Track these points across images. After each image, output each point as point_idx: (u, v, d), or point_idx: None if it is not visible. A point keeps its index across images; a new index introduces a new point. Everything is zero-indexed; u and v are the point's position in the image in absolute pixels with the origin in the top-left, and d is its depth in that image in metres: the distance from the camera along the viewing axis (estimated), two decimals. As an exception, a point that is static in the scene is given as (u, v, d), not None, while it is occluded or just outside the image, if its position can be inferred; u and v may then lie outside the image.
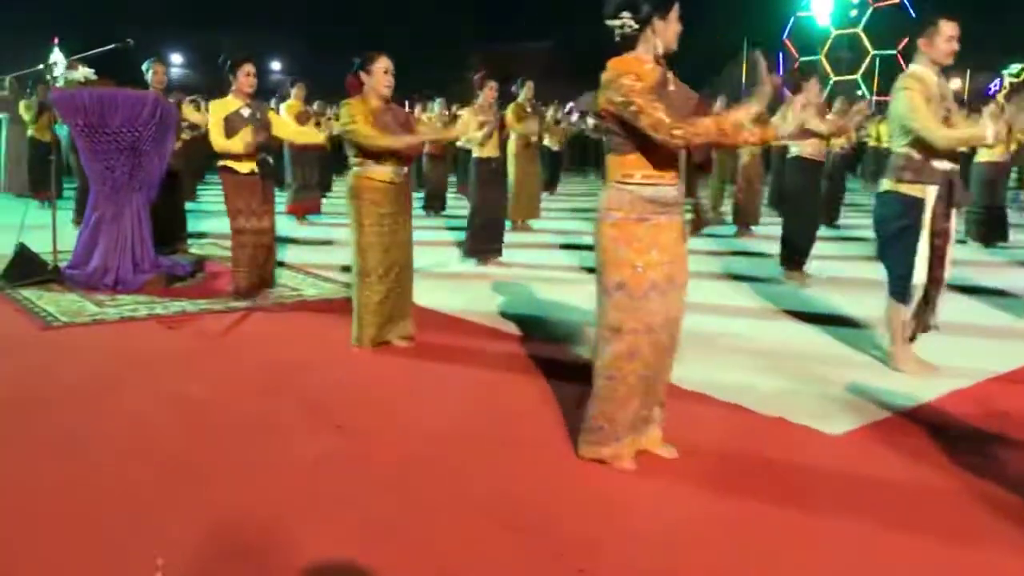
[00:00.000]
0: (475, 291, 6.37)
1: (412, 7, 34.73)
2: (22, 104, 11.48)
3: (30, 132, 11.47)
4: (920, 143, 4.14)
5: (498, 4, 36.96)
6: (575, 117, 17.31)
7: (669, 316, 3.09)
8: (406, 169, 4.72)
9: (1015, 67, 30.30)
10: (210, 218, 9.94)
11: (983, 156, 9.20)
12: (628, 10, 2.98)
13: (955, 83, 37.50)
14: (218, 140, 5.48)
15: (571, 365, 4.43)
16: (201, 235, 8.72)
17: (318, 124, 9.39)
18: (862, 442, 3.48)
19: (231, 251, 5.78)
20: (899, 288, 4.29)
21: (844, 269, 7.41)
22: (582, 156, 19.58)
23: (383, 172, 4.54)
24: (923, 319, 4.33)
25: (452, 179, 13.50)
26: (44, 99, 11.15)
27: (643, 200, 3.01)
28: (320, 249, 8.22)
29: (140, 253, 6.28)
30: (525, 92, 9.20)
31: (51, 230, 6.28)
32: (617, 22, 3.00)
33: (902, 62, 35.09)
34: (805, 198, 6.71)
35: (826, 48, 37.70)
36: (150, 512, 2.73)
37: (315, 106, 12.72)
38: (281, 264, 6.86)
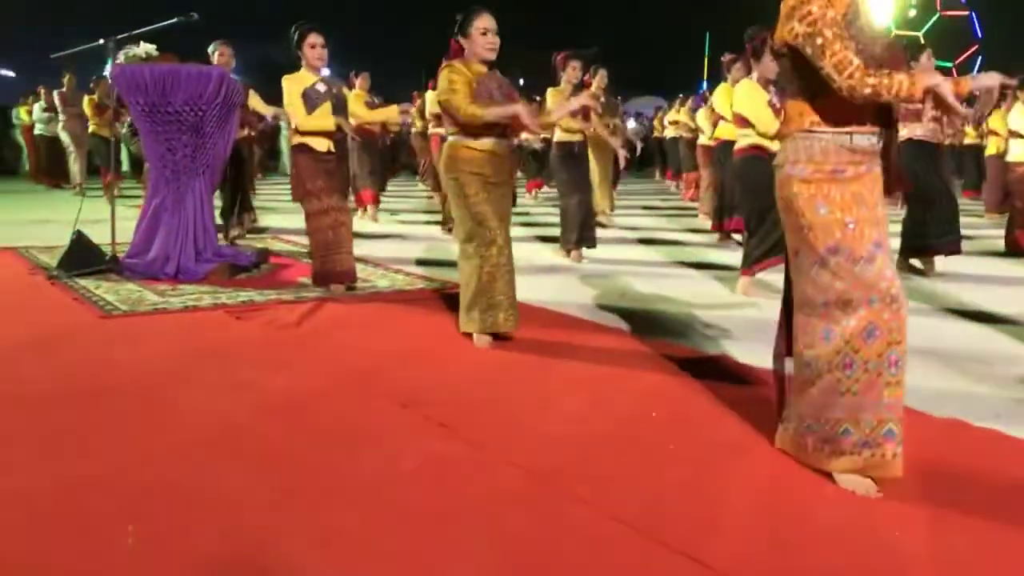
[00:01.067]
0: (563, 283, 5.87)
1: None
2: (85, 99, 11.52)
3: (91, 128, 11.54)
4: None
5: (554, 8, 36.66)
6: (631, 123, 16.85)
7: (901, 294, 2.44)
8: (512, 140, 4.21)
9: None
10: (268, 214, 9.62)
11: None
12: None
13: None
14: (300, 116, 5.08)
15: (689, 360, 3.92)
16: (261, 231, 8.34)
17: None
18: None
19: (309, 237, 5.33)
20: None
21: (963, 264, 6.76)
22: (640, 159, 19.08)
23: (484, 142, 4.04)
24: None
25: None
26: (103, 98, 11.07)
27: (839, 148, 2.48)
28: (385, 242, 7.79)
29: (203, 241, 5.90)
30: (598, 81, 8.74)
31: (110, 223, 5.95)
32: None
33: (955, 74, 34.00)
34: (924, 182, 6.02)
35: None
36: (221, 517, 2.25)
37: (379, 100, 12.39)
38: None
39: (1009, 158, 7.79)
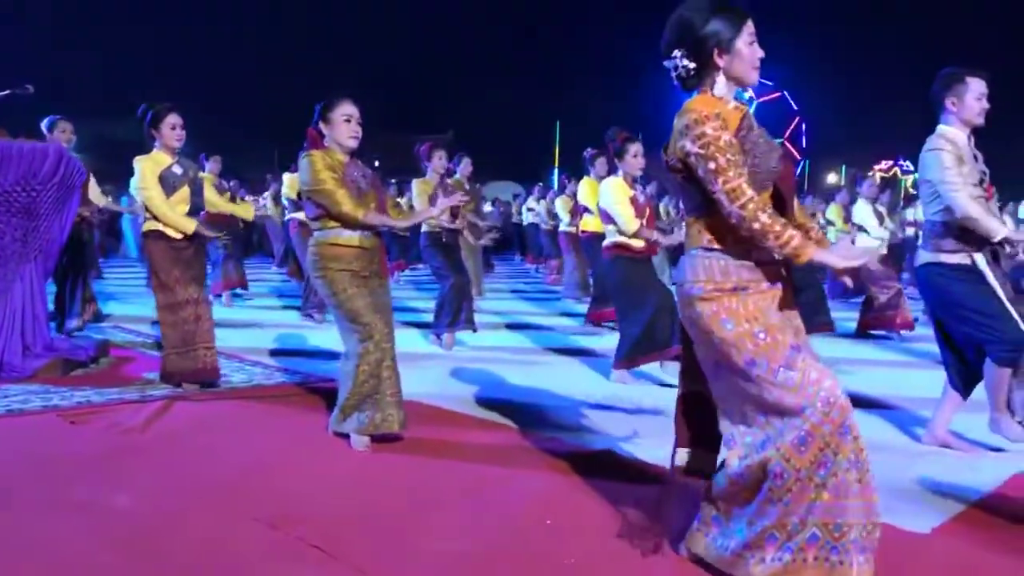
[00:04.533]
0: (438, 373, 5.63)
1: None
2: None
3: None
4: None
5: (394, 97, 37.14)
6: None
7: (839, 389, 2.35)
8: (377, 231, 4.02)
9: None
10: (108, 301, 8.89)
11: None
12: (680, 47, 2.45)
13: (831, 177, 40.01)
14: (158, 203, 4.76)
15: (576, 456, 3.76)
16: (101, 319, 7.63)
17: (233, 200, 8.61)
18: (953, 539, 2.95)
19: (161, 329, 4.91)
20: (1007, 351, 3.71)
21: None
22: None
23: (350, 236, 3.85)
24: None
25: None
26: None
27: (739, 267, 2.41)
28: (238, 331, 7.30)
29: (32, 334, 5.29)
30: (462, 168, 8.73)
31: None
32: (670, 63, 2.48)
33: (790, 147, 37.21)
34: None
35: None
36: None
37: (233, 183, 11.95)
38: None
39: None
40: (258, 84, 34.33)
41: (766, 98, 37.88)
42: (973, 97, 3.78)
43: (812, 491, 2.32)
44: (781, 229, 2.29)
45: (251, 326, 7.70)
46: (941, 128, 3.86)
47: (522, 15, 42.36)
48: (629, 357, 5.37)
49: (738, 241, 2.40)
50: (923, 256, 3.92)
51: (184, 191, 4.83)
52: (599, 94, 35.24)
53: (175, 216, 4.79)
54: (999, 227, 3.71)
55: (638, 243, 5.34)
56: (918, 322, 8.20)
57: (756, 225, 2.29)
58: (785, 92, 37.59)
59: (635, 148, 5.36)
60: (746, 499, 2.44)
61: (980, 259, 3.76)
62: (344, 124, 3.87)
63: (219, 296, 9.17)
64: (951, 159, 3.74)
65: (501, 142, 33.70)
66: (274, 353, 6.27)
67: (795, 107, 38.18)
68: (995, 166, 3.96)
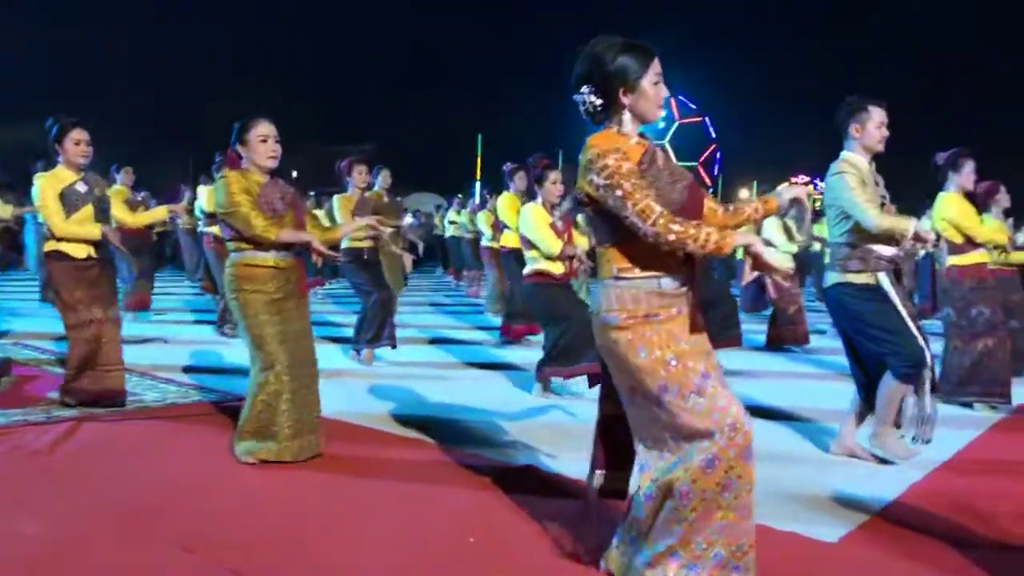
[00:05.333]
0: (356, 390, 5.56)
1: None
2: None
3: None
4: (860, 230, 3.94)
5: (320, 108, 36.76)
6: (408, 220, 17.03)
7: (743, 414, 2.45)
8: (294, 251, 3.97)
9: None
10: (10, 317, 8.52)
11: None
12: (588, 83, 2.53)
13: (743, 192, 41.25)
14: (57, 220, 4.60)
15: (497, 471, 3.78)
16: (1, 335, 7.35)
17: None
18: (860, 548, 3.07)
19: (68, 350, 4.75)
20: (907, 367, 3.89)
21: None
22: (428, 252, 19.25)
23: (266, 257, 3.82)
24: (922, 412, 3.99)
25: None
26: None
27: (648, 294, 2.48)
28: (150, 347, 7.09)
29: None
30: (381, 181, 8.69)
31: None
32: (579, 98, 2.56)
33: (702, 173, 38.18)
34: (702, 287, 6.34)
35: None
36: None
37: (142, 195, 11.57)
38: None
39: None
40: (174, 92, 33.43)
41: (688, 120, 38.83)
42: (874, 125, 4.00)
43: (718, 512, 2.42)
44: (696, 231, 2.36)
45: (164, 342, 7.48)
46: (844, 154, 4.06)
47: (446, 27, 42.43)
48: (550, 372, 5.43)
49: (646, 268, 2.49)
50: (831, 277, 4.10)
51: (87, 210, 4.67)
52: (521, 107, 35.56)
53: (76, 228, 4.61)
54: (909, 223, 3.91)
55: (558, 269, 5.41)
56: (825, 334, 8.54)
57: (671, 236, 2.36)
58: (707, 118, 38.55)
59: (554, 175, 5.45)
60: (653, 518, 2.51)
61: (884, 279, 3.94)
62: (261, 145, 3.85)
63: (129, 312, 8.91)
64: (855, 181, 3.94)
65: (424, 154, 33.61)
66: (188, 370, 6.11)
67: (713, 135, 39.18)
68: (894, 190, 4.18)
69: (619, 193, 2.40)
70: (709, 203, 2.76)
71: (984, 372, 5.41)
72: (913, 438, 4.01)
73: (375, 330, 6.56)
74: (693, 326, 2.53)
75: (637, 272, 2.49)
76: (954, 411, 5.30)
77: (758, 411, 5.19)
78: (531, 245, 5.43)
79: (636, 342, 2.46)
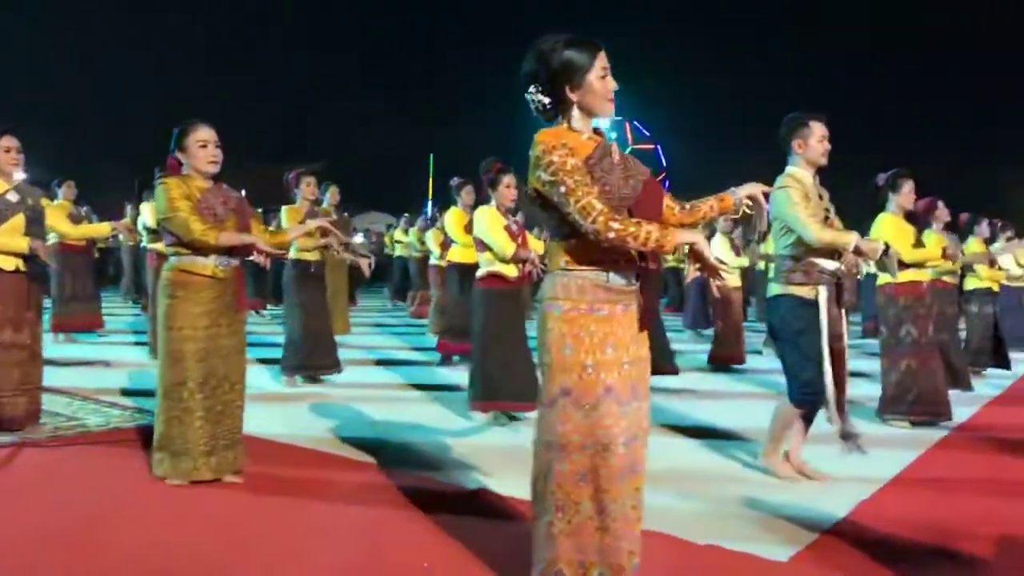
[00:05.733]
0: (301, 413, 5.48)
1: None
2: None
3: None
4: (803, 243, 4.01)
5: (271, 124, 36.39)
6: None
7: (630, 433, 2.48)
8: (236, 261, 3.90)
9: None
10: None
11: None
12: (534, 81, 2.53)
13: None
14: None
15: (447, 496, 3.75)
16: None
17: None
18: (811, 567, 3.08)
19: None
20: (803, 394, 4.03)
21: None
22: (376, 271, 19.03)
23: (204, 264, 3.76)
24: (842, 429, 4.07)
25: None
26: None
27: (595, 287, 2.47)
28: (95, 371, 6.89)
29: None
30: (329, 197, 8.60)
31: None
32: (528, 96, 2.56)
33: None
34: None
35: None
36: None
37: (85, 209, 11.29)
38: (46, 389, 5.52)
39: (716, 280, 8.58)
40: (118, 108, 32.77)
41: (640, 147, 39.25)
42: (816, 139, 4.10)
43: (595, 532, 2.45)
44: (636, 229, 2.35)
45: (106, 365, 7.28)
46: (789, 169, 4.15)
47: (398, 46, 42.41)
48: (483, 399, 5.27)
49: (594, 263, 2.47)
50: (773, 288, 4.18)
51: (17, 220, 4.51)
52: (474, 126, 35.60)
53: (3, 239, 4.45)
54: (851, 237, 4.00)
55: (512, 272, 5.37)
56: (761, 355, 8.65)
57: (611, 235, 2.35)
58: (658, 146, 39.03)
59: (508, 179, 5.40)
60: (540, 529, 2.52)
61: (823, 293, 4.01)
62: (200, 150, 3.81)
63: (59, 332, 8.67)
64: (799, 195, 4.02)
65: (376, 173, 33.39)
66: (129, 393, 5.94)
67: (663, 163, 39.70)
68: (837, 202, 4.25)
69: (562, 189, 2.39)
70: (668, 201, 2.76)
71: (910, 391, 5.50)
72: (849, 451, 4.08)
73: (306, 357, 6.46)
74: (641, 324, 2.54)
75: (585, 266, 2.48)
76: (898, 430, 5.40)
77: (702, 431, 5.25)
78: (485, 247, 5.38)
79: (568, 337, 2.45)
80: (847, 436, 4.07)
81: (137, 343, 8.85)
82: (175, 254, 3.81)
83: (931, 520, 3.61)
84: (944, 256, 5.60)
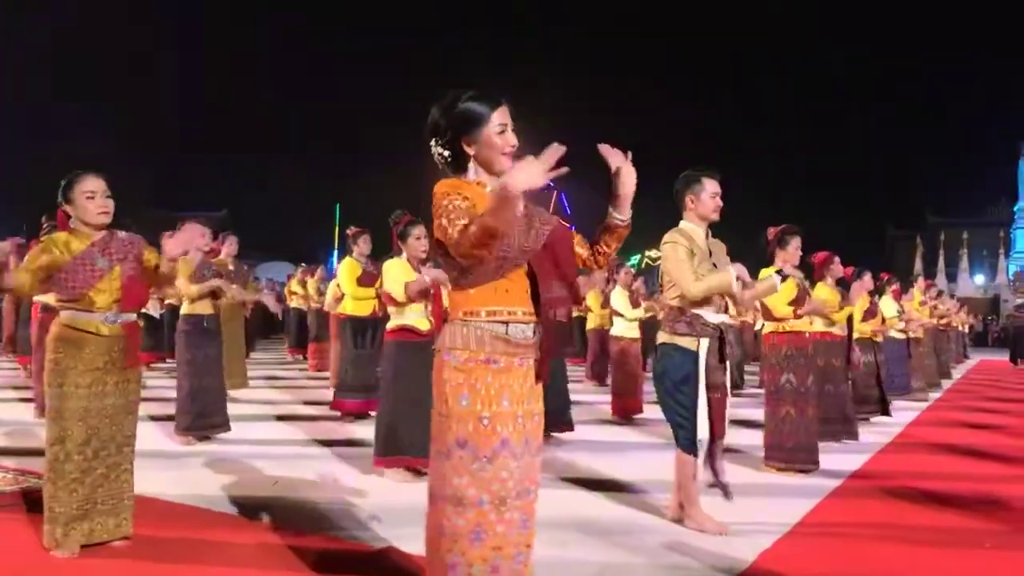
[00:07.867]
0: (191, 472, 5.23)
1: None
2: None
3: None
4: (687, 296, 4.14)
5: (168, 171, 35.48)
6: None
7: (522, 487, 2.44)
8: (126, 317, 3.73)
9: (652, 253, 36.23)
10: None
11: None
12: (435, 135, 2.53)
13: (596, 274, 42.75)
14: None
15: (354, 556, 3.63)
16: None
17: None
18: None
19: None
20: (686, 440, 4.15)
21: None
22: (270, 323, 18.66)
23: (88, 320, 3.60)
24: (711, 479, 4.19)
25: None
26: None
27: (493, 338, 2.44)
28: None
29: None
30: (228, 248, 8.41)
31: None
32: (432, 150, 2.56)
33: None
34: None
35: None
36: None
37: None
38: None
39: (613, 332, 8.73)
40: (7, 153, 31.39)
41: (543, 193, 39.86)
42: (708, 195, 4.25)
43: None
44: (464, 226, 2.27)
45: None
46: (681, 224, 4.30)
47: (307, 94, 42.16)
48: (388, 454, 5.15)
49: (492, 313, 2.44)
50: (660, 336, 4.30)
51: None
52: (382, 176, 35.47)
53: None
54: (728, 275, 4.10)
55: (423, 325, 5.28)
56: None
57: (467, 236, 2.24)
58: (563, 195, 39.78)
59: (418, 231, 5.36)
60: None
61: (703, 346, 4.14)
62: (88, 202, 3.65)
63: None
64: (684, 251, 4.16)
65: (279, 222, 32.90)
66: (8, 454, 5.58)
67: (568, 211, 40.40)
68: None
69: (444, 222, 2.34)
70: (578, 248, 2.72)
71: (786, 439, 5.66)
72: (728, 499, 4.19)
73: (188, 419, 6.22)
74: (537, 376, 2.51)
75: (483, 316, 2.45)
76: (791, 478, 5.52)
77: (605, 484, 5.24)
78: (393, 300, 5.29)
79: (464, 387, 2.41)
80: (714, 485, 4.19)
81: (22, 399, 8.30)
82: (62, 308, 3.65)
83: (830, 568, 3.69)
84: (795, 315, 5.79)
